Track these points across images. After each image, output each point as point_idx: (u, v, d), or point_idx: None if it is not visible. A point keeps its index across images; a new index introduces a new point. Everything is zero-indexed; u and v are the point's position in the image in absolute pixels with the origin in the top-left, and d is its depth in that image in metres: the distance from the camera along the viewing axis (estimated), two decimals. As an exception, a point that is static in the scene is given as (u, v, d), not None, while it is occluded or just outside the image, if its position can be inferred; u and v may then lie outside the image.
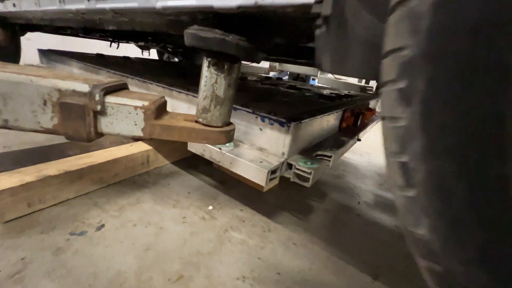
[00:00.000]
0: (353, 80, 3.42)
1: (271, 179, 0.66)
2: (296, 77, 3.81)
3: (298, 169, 0.67)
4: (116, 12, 0.65)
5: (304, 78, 3.83)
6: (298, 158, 0.73)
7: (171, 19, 0.62)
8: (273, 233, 0.88)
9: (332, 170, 1.55)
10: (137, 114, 0.45)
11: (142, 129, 0.46)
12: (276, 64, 2.93)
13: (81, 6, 0.78)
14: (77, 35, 2.18)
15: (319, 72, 4.51)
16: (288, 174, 0.72)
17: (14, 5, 1.27)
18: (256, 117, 0.78)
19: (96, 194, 0.92)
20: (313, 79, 3.83)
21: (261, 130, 0.78)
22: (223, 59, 0.46)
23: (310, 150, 0.79)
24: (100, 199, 0.89)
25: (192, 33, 0.44)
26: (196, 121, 0.51)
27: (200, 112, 0.51)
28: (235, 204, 1.01)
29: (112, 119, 0.45)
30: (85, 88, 0.42)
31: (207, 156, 0.77)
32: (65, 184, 0.83)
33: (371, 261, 0.83)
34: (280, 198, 1.11)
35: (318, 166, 0.68)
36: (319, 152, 0.76)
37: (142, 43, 2.32)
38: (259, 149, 0.82)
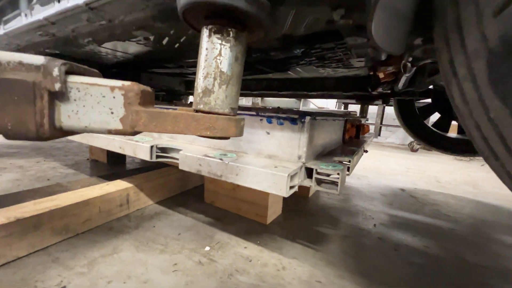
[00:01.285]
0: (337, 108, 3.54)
1: (290, 188, 0.53)
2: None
3: (321, 173, 0.55)
4: (92, 7, 0.56)
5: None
6: (317, 163, 0.61)
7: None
8: (290, 272, 0.70)
9: (336, 193, 1.43)
10: (114, 97, 0.33)
11: (122, 119, 0.33)
12: (259, 100, 2.98)
13: (51, 11, 0.66)
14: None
15: (301, 103, 4.69)
16: (308, 183, 0.58)
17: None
18: (261, 120, 0.67)
19: (59, 247, 0.71)
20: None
21: (268, 134, 0.67)
22: (228, 23, 0.38)
23: (324, 159, 0.68)
24: (62, 253, 0.69)
25: None
26: (196, 111, 0.40)
27: (200, 96, 0.40)
28: (236, 241, 0.83)
29: (77, 106, 0.33)
30: (38, 60, 0.30)
31: (204, 171, 0.63)
32: (15, 238, 0.63)
33: (416, 291, 0.67)
34: (288, 229, 0.94)
35: (344, 168, 0.56)
36: (336, 158, 0.65)
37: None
38: (268, 157, 0.70)
